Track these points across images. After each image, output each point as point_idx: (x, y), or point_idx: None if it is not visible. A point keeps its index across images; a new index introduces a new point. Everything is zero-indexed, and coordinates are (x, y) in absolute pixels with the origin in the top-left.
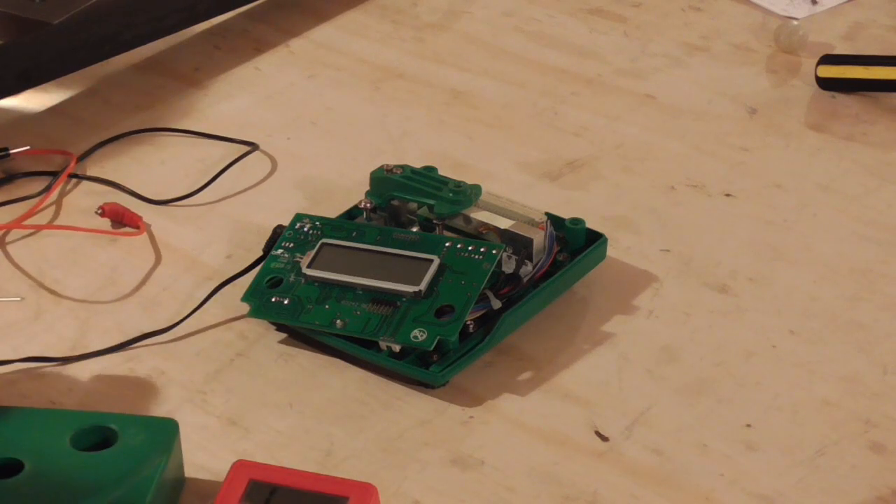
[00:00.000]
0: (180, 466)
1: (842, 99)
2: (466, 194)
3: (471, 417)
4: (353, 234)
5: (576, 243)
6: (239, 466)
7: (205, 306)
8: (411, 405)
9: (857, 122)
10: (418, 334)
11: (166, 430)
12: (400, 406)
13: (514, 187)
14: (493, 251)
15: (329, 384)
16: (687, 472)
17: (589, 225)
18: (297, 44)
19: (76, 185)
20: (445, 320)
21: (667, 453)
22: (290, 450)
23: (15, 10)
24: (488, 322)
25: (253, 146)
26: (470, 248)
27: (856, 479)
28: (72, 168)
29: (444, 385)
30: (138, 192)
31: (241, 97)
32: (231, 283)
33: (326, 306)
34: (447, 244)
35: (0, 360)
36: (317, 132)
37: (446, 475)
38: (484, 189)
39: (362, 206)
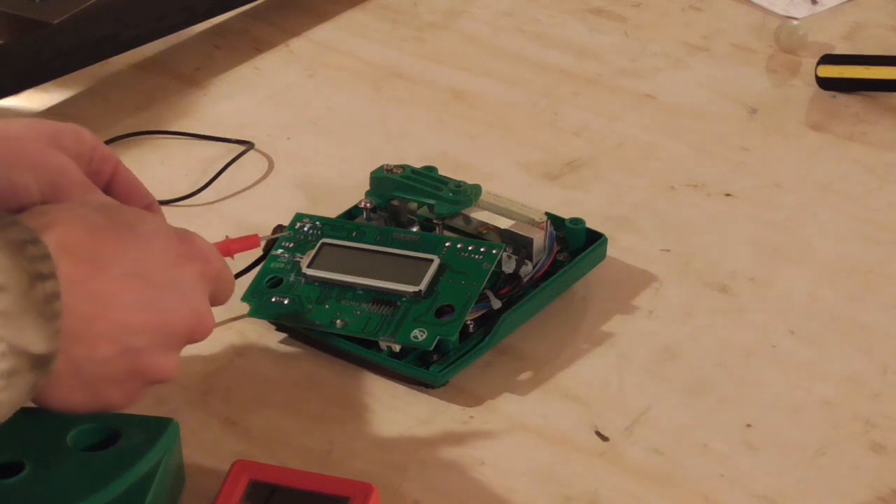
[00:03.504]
0: (180, 466)
1: (842, 99)
2: (466, 194)
3: (471, 417)
4: (353, 234)
5: (576, 243)
6: (239, 466)
7: None
8: (411, 405)
9: (857, 122)
10: (418, 334)
11: (166, 430)
12: (400, 406)
13: (514, 187)
14: (493, 251)
15: (329, 384)
16: (687, 472)
17: (589, 225)
18: (297, 44)
19: None
20: (445, 320)
21: (667, 453)
22: (290, 450)
23: (15, 10)
24: (488, 322)
25: (249, 145)
26: (470, 248)
27: (856, 479)
28: None
29: (444, 385)
30: None
31: (241, 97)
32: None
33: (326, 306)
34: (447, 244)
35: None
36: (317, 132)
37: (446, 475)
38: (484, 189)
39: (362, 206)
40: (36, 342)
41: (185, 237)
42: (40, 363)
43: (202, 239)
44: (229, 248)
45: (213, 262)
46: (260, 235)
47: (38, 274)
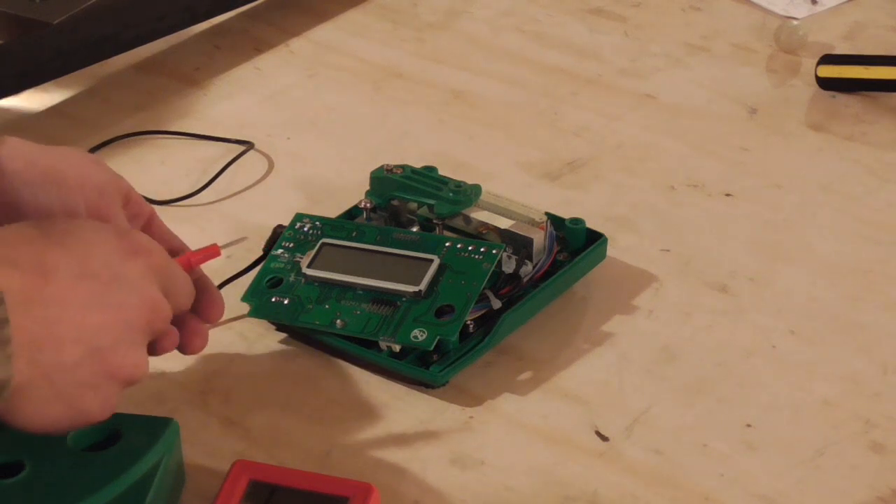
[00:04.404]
0: (180, 466)
1: (842, 99)
2: (466, 194)
3: (471, 417)
4: (353, 234)
5: (576, 243)
6: (239, 466)
7: None
8: (411, 405)
9: (857, 122)
10: (418, 334)
11: (166, 430)
12: (400, 406)
13: (514, 187)
14: (493, 251)
15: (329, 384)
16: (687, 472)
17: (589, 225)
18: (297, 44)
19: None
20: (445, 320)
21: (667, 453)
22: (290, 450)
23: (15, 10)
24: (488, 322)
25: (248, 145)
26: (470, 248)
27: (856, 479)
28: None
29: (444, 385)
30: (138, 192)
31: (241, 97)
32: (231, 283)
33: (326, 306)
34: (447, 244)
35: None
36: (317, 132)
37: (446, 475)
38: (484, 189)
39: (362, 206)
40: None
41: (124, 234)
42: None
43: (141, 233)
44: (190, 260)
45: (155, 255)
46: (219, 245)
47: None
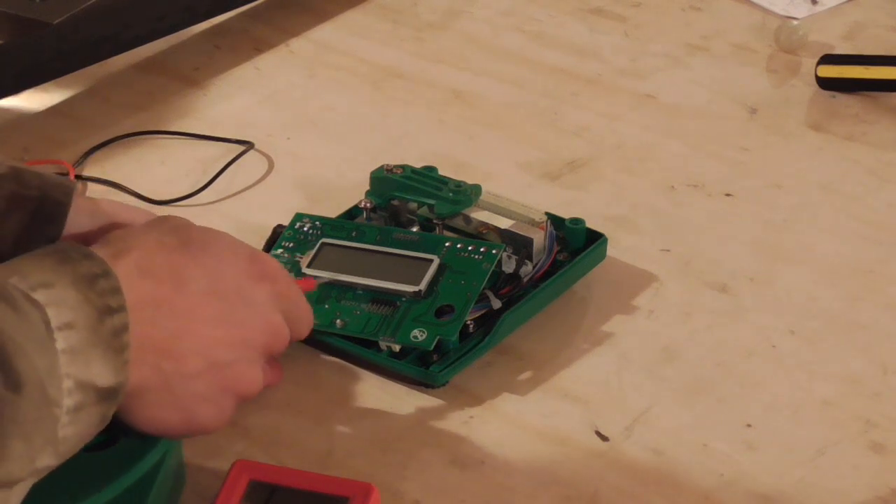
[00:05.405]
0: (180, 466)
1: (842, 99)
2: (466, 194)
3: (471, 417)
4: (353, 233)
5: (576, 243)
6: (239, 466)
7: None
8: (411, 405)
9: (857, 122)
10: (418, 334)
11: None
12: (400, 406)
13: (514, 187)
14: (493, 251)
15: (329, 384)
16: (687, 472)
17: (589, 225)
18: (297, 44)
19: None
20: (445, 320)
21: (667, 453)
22: (290, 450)
23: (15, 10)
24: (488, 322)
25: (248, 145)
26: (470, 248)
27: (856, 479)
28: (71, 177)
29: (444, 385)
30: (138, 192)
31: (240, 97)
32: None
33: (326, 306)
34: (447, 244)
35: None
36: (317, 132)
37: (446, 475)
38: (484, 189)
39: (362, 206)
40: (103, 375)
41: (254, 257)
42: (108, 396)
43: (271, 259)
44: (311, 282)
45: (281, 282)
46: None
47: (107, 308)
